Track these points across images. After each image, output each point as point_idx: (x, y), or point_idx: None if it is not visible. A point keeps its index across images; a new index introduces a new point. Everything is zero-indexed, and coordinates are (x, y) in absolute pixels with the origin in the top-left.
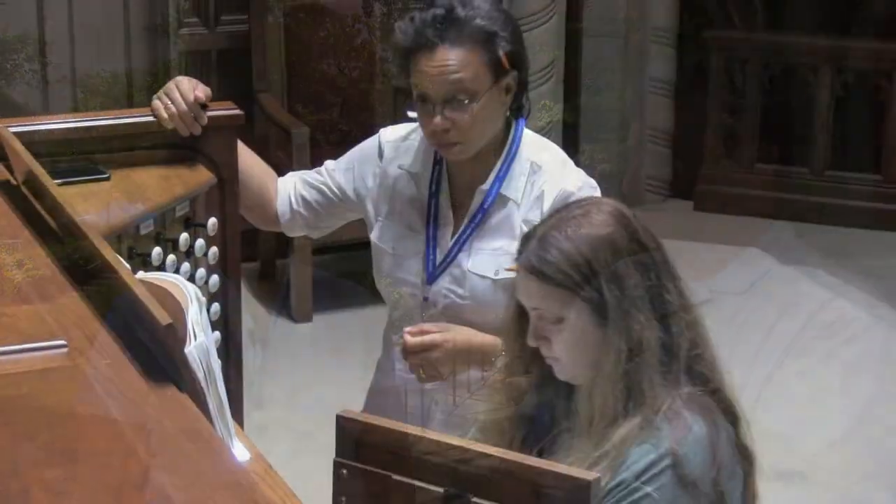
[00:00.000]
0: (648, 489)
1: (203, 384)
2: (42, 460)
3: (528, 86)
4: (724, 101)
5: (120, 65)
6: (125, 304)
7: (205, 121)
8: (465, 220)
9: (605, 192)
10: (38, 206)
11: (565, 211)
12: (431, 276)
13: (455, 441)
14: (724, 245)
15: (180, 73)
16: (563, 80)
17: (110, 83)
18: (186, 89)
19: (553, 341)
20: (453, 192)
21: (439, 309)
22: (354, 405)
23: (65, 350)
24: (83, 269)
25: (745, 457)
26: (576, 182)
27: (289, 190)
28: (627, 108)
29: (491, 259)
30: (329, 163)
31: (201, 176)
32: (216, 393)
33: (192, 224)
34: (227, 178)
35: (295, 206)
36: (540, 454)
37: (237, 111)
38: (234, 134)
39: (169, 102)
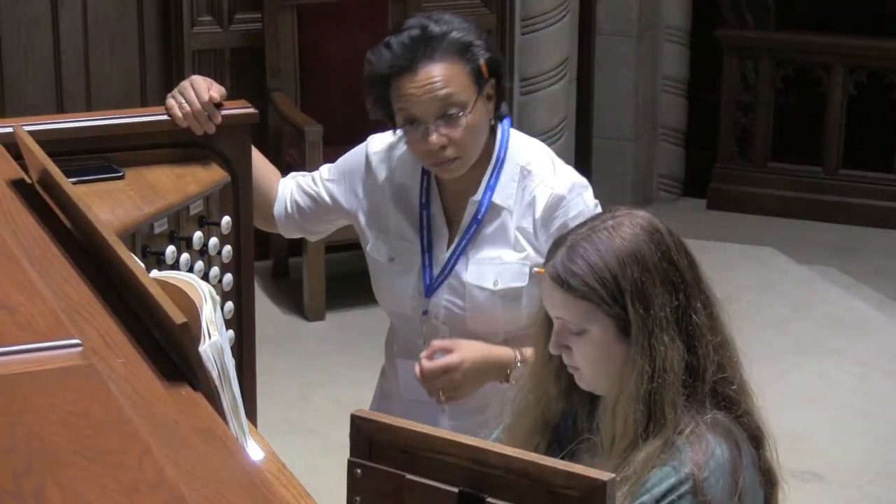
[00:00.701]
0: None
1: (217, 383)
2: (56, 459)
3: (506, 93)
4: (737, 99)
5: (134, 63)
6: (139, 303)
7: (219, 120)
8: (460, 232)
9: (617, 191)
10: (52, 205)
11: (598, 220)
12: (429, 290)
13: (469, 440)
14: (738, 244)
15: (194, 72)
16: (576, 78)
17: (124, 81)
18: (201, 88)
19: (574, 351)
20: (445, 203)
21: (440, 320)
22: (368, 404)
23: (79, 349)
24: (97, 267)
25: (768, 479)
26: (565, 184)
27: (286, 193)
28: (640, 106)
29: (489, 269)
30: (324, 169)
31: (215, 174)
32: (230, 392)
33: (206, 222)
34: (241, 176)
35: (289, 211)
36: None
37: (251, 110)
38: (248, 133)
39: (183, 101)
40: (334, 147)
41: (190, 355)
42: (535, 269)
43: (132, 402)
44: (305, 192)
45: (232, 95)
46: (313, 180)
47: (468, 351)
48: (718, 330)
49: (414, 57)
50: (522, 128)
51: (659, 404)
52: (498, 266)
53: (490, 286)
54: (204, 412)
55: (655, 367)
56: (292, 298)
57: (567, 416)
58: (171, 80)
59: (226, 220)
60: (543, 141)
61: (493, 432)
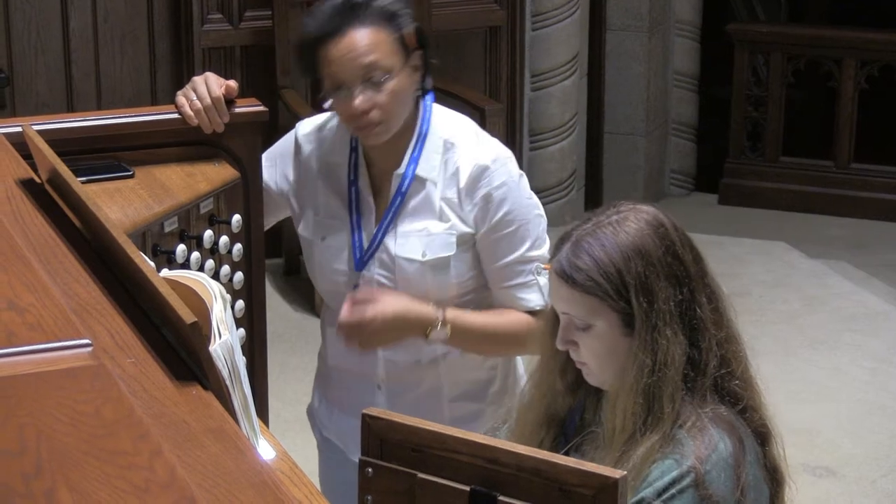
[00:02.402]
0: None
1: (228, 382)
2: (66, 460)
3: (430, 65)
4: (748, 94)
5: (144, 62)
6: (149, 303)
7: (227, 118)
8: (386, 204)
9: (629, 186)
10: (62, 205)
11: (603, 215)
12: (360, 264)
13: (481, 439)
14: (750, 238)
15: (204, 70)
16: (587, 74)
17: (134, 80)
18: (213, 84)
19: (581, 346)
20: (372, 178)
21: None
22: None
23: (89, 349)
24: (107, 267)
25: (773, 477)
26: (490, 154)
27: None
28: (651, 102)
29: (416, 241)
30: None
31: (225, 173)
32: (241, 391)
33: (217, 221)
34: (252, 174)
35: None
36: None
37: (261, 108)
38: (259, 131)
39: (194, 98)
40: None
41: (200, 355)
42: (542, 265)
43: (143, 402)
44: None
45: (242, 93)
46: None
47: (384, 305)
48: (724, 325)
49: (341, 23)
50: (534, 124)
51: (658, 398)
52: (425, 237)
53: (418, 257)
54: (215, 412)
55: (656, 360)
56: (304, 296)
57: (575, 411)
58: (181, 78)
59: (236, 218)
60: (555, 137)
61: (500, 428)
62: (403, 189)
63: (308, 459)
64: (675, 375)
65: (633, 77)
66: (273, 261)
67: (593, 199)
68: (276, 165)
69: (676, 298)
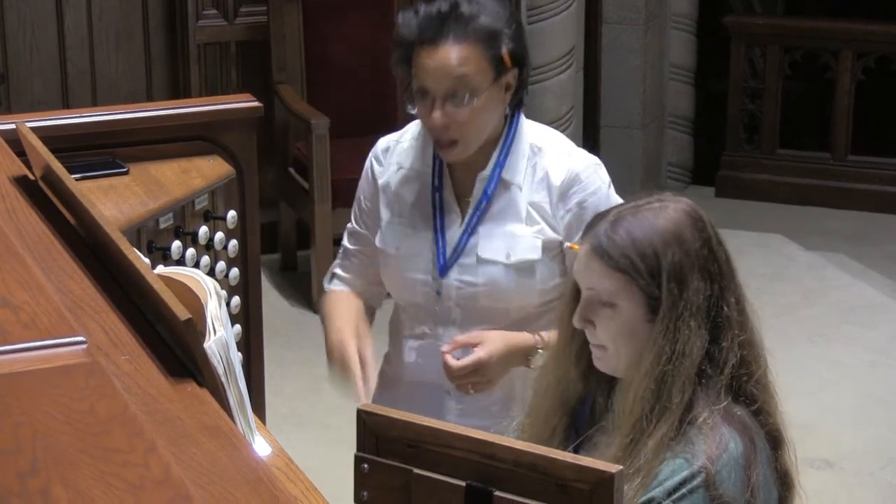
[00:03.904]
0: None
1: (223, 379)
2: (61, 458)
3: (527, 83)
4: (745, 86)
5: (139, 58)
6: (144, 299)
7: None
8: (470, 209)
9: (626, 179)
10: (56, 201)
11: (643, 200)
12: (443, 270)
13: (476, 434)
14: (747, 231)
15: (199, 66)
16: (583, 67)
17: (130, 77)
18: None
19: (599, 327)
20: (455, 184)
21: (453, 301)
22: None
23: (84, 346)
24: (102, 264)
25: (784, 482)
26: (581, 161)
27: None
28: (647, 95)
29: (501, 243)
30: (349, 228)
31: (220, 169)
32: (236, 387)
33: (212, 217)
34: (246, 170)
35: (377, 298)
36: (577, 448)
37: (256, 103)
38: (254, 126)
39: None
40: (341, 139)
41: (195, 351)
42: (568, 244)
43: (137, 400)
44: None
45: (237, 89)
46: (357, 254)
47: (493, 344)
48: (747, 328)
49: (439, 32)
50: (530, 117)
51: (668, 386)
52: (510, 239)
53: (503, 259)
54: (210, 408)
55: (675, 350)
56: (301, 291)
57: (585, 403)
58: (176, 74)
59: (231, 214)
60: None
61: (514, 419)
62: (489, 192)
63: (304, 455)
64: (690, 368)
65: (629, 70)
66: (269, 256)
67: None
68: (366, 203)
69: (706, 293)
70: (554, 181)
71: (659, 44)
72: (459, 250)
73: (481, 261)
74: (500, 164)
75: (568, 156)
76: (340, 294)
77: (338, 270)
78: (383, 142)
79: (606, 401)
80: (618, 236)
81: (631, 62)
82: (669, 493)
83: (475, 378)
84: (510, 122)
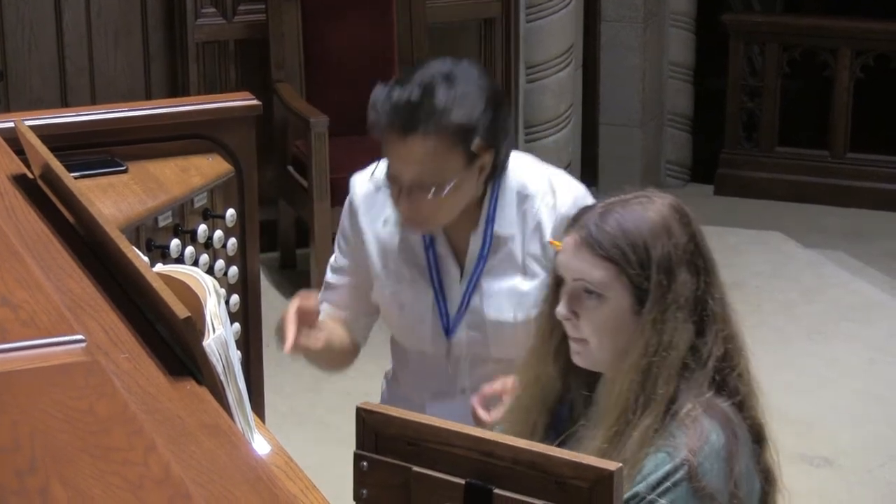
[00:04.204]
0: (663, 502)
1: (222, 377)
2: (60, 457)
3: (507, 157)
4: (744, 84)
5: (138, 56)
6: (143, 298)
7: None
8: (469, 267)
9: (624, 177)
10: (55, 200)
11: (628, 195)
12: (449, 330)
13: (476, 432)
14: (746, 229)
15: (198, 65)
16: (582, 65)
17: (128, 75)
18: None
19: (583, 319)
20: (449, 238)
21: (463, 353)
22: (376, 395)
23: (83, 345)
24: (101, 263)
25: (767, 479)
26: (568, 201)
27: (356, 325)
28: (646, 93)
29: (506, 302)
30: (332, 263)
31: (219, 167)
32: (235, 386)
33: (211, 215)
34: (246, 168)
35: (363, 332)
36: (560, 445)
37: (254, 102)
38: (252, 124)
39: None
40: (340, 138)
41: (194, 350)
42: (549, 240)
43: (137, 398)
44: (347, 304)
45: (236, 87)
46: (342, 285)
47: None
48: (730, 321)
49: (407, 122)
50: (529, 115)
51: (653, 378)
52: (515, 297)
53: (510, 319)
54: (209, 407)
55: (662, 341)
56: (300, 290)
57: (563, 404)
58: (175, 72)
59: (230, 212)
60: (551, 128)
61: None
62: (485, 251)
63: (303, 454)
64: (675, 360)
65: (628, 68)
66: (268, 255)
67: (589, 190)
68: (348, 244)
69: (692, 286)
70: (545, 230)
71: (658, 42)
72: (463, 309)
73: (489, 321)
74: (491, 220)
75: (553, 195)
76: (324, 321)
77: (324, 306)
78: (361, 185)
79: (585, 402)
80: (608, 226)
81: (630, 60)
82: (653, 488)
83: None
84: (494, 183)
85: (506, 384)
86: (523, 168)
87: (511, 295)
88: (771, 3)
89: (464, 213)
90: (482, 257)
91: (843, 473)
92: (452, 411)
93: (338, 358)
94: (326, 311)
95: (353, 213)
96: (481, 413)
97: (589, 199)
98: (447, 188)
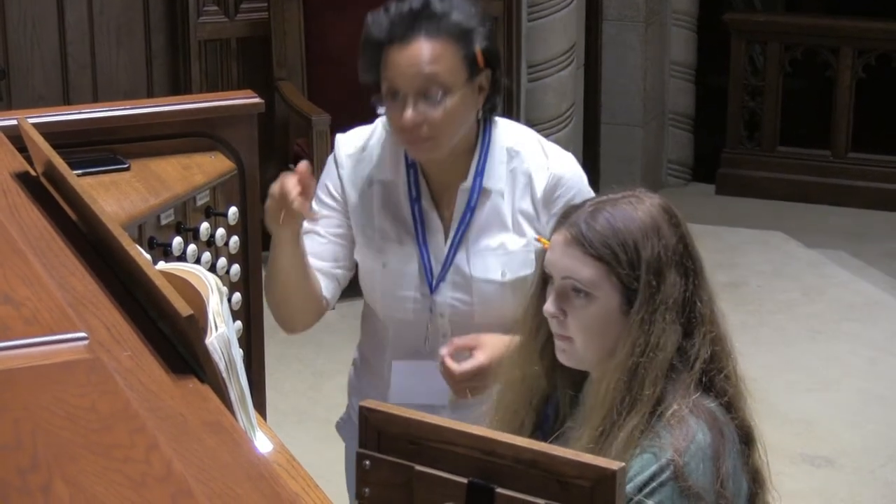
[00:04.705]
0: (650, 502)
1: (224, 375)
2: (63, 454)
3: (501, 88)
4: (746, 83)
5: (140, 54)
6: (145, 296)
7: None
8: (454, 223)
9: (626, 177)
10: (57, 198)
11: (617, 194)
12: (433, 287)
13: (478, 431)
14: (747, 228)
15: (200, 63)
16: (584, 64)
17: (130, 73)
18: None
19: (570, 317)
20: (434, 194)
21: (445, 318)
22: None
23: (85, 342)
24: (103, 260)
25: (755, 479)
26: (561, 162)
27: (328, 280)
28: (648, 92)
29: (494, 260)
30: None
31: (221, 165)
32: (238, 384)
33: (213, 213)
34: (248, 166)
35: (339, 280)
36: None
37: (256, 100)
38: (254, 122)
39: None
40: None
41: (197, 348)
42: (536, 237)
43: (139, 396)
44: (325, 252)
45: (238, 85)
46: (316, 233)
47: (493, 348)
48: (717, 323)
49: (410, 29)
50: (531, 114)
51: (640, 379)
52: (503, 256)
53: (498, 278)
54: (211, 405)
55: (649, 342)
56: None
57: (549, 404)
58: (177, 70)
59: (232, 210)
60: (552, 127)
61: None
62: (472, 203)
63: (306, 451)
64: (662, 362)
65: (629, 67)
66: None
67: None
68: (332, 198)
69: (681, 288)
70: (537, 187)
71: (659, 41)
72: (447, 266)
73: (475, 280)
74: (480, 174)
75: (545, 157)
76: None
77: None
78: (345, 145)
79: (572, 402)
80: (598, 225)
81: (631, 59)
82: (640, 489)
83: (474, 382)
84: (485, 129)
85: (477, 339)
86: (514, 130)
87: (499, 253)
88: (773, 2)
89: (453, 163)
90: (469, 209)
91: (845, 473)
92: (417, 368)
93: (303, 291)
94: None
95: (338, 168)
96: (450, 363)
97: (577, 166)
98: (453, 95)
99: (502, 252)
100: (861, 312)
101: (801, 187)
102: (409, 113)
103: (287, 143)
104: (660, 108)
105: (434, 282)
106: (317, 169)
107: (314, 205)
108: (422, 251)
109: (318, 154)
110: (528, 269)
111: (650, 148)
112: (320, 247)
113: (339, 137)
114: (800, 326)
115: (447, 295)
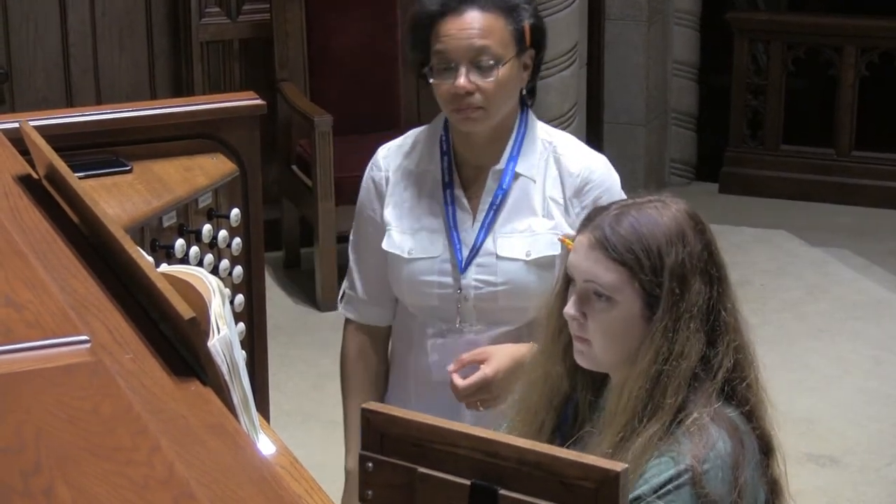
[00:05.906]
0: None
1: (227, 377)
2: (65, 457)
3: (540, 70)
4: (749, 82)
5: (142, 56)
6: (147, 298)
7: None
8: (484, 206)
9: (629, 176)
10: (59, 200)
11: (642, 198)
12: (462, 267)
13: (481, 433)
14: (750, 227)
15: (202, 64)
16: (586, 64)
17: (133, 74)
18: None
19: (590, 320)
20: (464, 181)
21: (470, 301)
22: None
23: (87, 345)
24: (105, 263)
25: (773, 490)
26: (593, 157)
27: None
28: (651, 91)
29: (519, 240)
30: (353, 242)
31: (224, 167)
32: (240, 386)
33: (215, 215)
34: (250, 168)
35: (392, 307)
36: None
37: (259, 101)
38: (257, 124)
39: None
40: (344, 137)
41: (199, 350)
42: (560, 236)
43: (141, 399)
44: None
45: (240, 87)
46: (365, 267)
47: (498, 360)
48: (741, 331)
49: (462, 2)
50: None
51: (663, 387)
52: (529, 237)
53: (523, 256)
54: (214, 407)
55: (673, 350)
56: (305, 289)
57: (569, 405)
58: (179, 72)
59: (235, 212)
60: (555, 126)
61: (506, 417)
62: (504, 186)
63: (308, 454)
64: (685, 370)
65: (632, 67)
66: (273, 254)
67: None
68: (370, 213)
69: (706, 296)
70: (569, 178)
71: (662, 40)
72: (476, 248)
73: (500, 258)
74: (514, 158)
75: (581, 152)
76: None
77: (350, 292)
78: (382, 149)
79: (591, 406)
80: (622, 229)
81: (634, 58)
82: (656, 490)
83: (482, 395)
84: (521, 117)
85: (484, 352)
86: (550, 128)
87: (525, 235)
88: (776, 1)
89: (489, 145)
90: (501, 190)
91: (850, 472)
92: (447, 347)
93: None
94: (357, 308)
95: (370, 178)
96: (456, 378)
97: (613, 170)
98: (504, 65)
99: (529, 234)
100: (865, 311)
101: (805, 186)
102: (461, 80)
103: (289, 144)
104: (663, 108)
105: (463, 265)
106: (316, 168)
107: (355, 231)
108: (453, 234)
109: (320, 155)
110: (552, 250)
111: (653, 147)
112: (381, 268)
113: (380, 149)
114: (804, 325)
115: (472, 277)
